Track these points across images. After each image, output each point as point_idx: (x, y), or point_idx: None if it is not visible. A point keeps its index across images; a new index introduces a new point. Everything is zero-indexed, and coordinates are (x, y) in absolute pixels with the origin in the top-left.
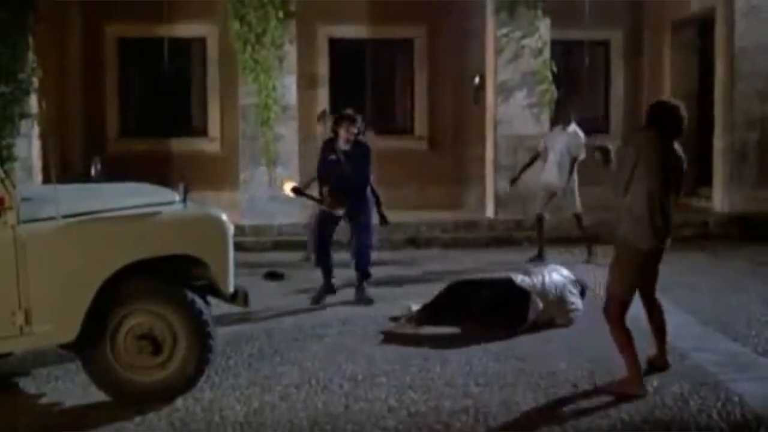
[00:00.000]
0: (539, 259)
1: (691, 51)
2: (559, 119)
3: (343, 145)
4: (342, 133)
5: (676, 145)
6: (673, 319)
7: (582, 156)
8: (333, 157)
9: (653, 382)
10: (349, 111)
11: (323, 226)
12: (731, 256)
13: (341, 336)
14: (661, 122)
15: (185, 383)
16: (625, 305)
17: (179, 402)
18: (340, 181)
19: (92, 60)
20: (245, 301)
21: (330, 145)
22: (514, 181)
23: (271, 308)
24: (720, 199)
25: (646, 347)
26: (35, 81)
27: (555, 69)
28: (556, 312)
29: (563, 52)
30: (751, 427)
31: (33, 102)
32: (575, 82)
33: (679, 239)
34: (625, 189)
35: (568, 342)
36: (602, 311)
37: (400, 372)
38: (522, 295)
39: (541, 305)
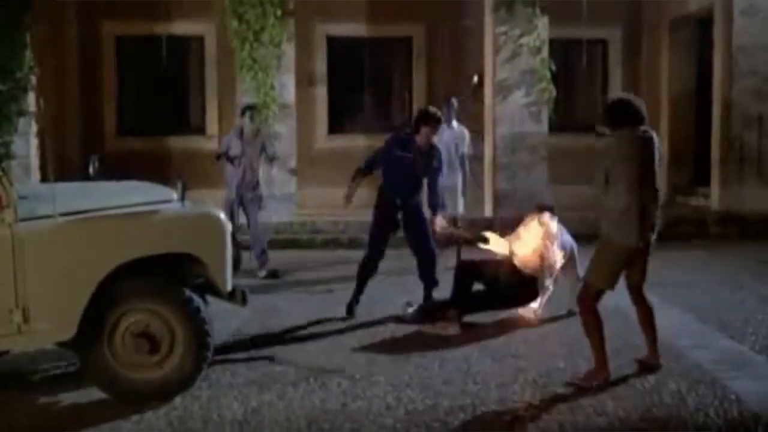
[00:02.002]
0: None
1: (689, 49)
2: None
3: (421, 144)
4: (427, 132)
5: (646, 131)
6: (670, 316)
7: (469, 152)
8: (406, 153)
9: (650, 380)
10: (436, 110)
11: (381, 232)
12: (729, 254)
13: (339, 334)
14: (625, 118)
15: (183, 381)
16: (597, 294)
17: (177, 400)
18: (403, 179)
19: (90, 58)
20: (243, 300)
21: (401, 140)
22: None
23: (269, 306)
24: (718, 198)
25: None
26: (33, 79)
27: (553, 67)
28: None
29: (561, 50)
30: (749, 425)
31: (31, 100)
32: (573, 81)
33: (677, 237)
34: (604, 186)
35: (565, 341)
36: (576, 298)
37: (398, 370)
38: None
39: (548, 282)
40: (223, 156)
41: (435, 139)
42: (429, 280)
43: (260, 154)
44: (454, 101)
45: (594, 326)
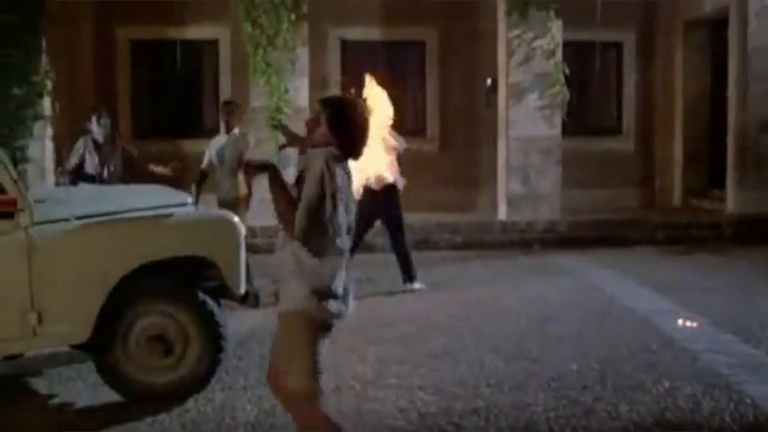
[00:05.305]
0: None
1: (703, 52)
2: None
3: None
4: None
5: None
6: (684, 320)
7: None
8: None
9: (664, 384)
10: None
11: None
12: (743, 257)
13: (352, 337)
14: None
15: (197, 384)
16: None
17: (190, 403)
18: None
19: (105, 62)
20: (256, 302)
21: None
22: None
23: None
24: (732, 201)
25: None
26: (48, 83)
27: (567, 71)
28: None
29: (575, 53)
30: (764, 429)
31: (46, 104)
32: (587, 84)
33: (691, 240)
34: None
35: (578, 343)
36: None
37: (411, 373)
38: None
39: None
40: (69, 174)
41: (212, 151)
42: None
43: (122, 163)
44: (234, 107)
45: None
